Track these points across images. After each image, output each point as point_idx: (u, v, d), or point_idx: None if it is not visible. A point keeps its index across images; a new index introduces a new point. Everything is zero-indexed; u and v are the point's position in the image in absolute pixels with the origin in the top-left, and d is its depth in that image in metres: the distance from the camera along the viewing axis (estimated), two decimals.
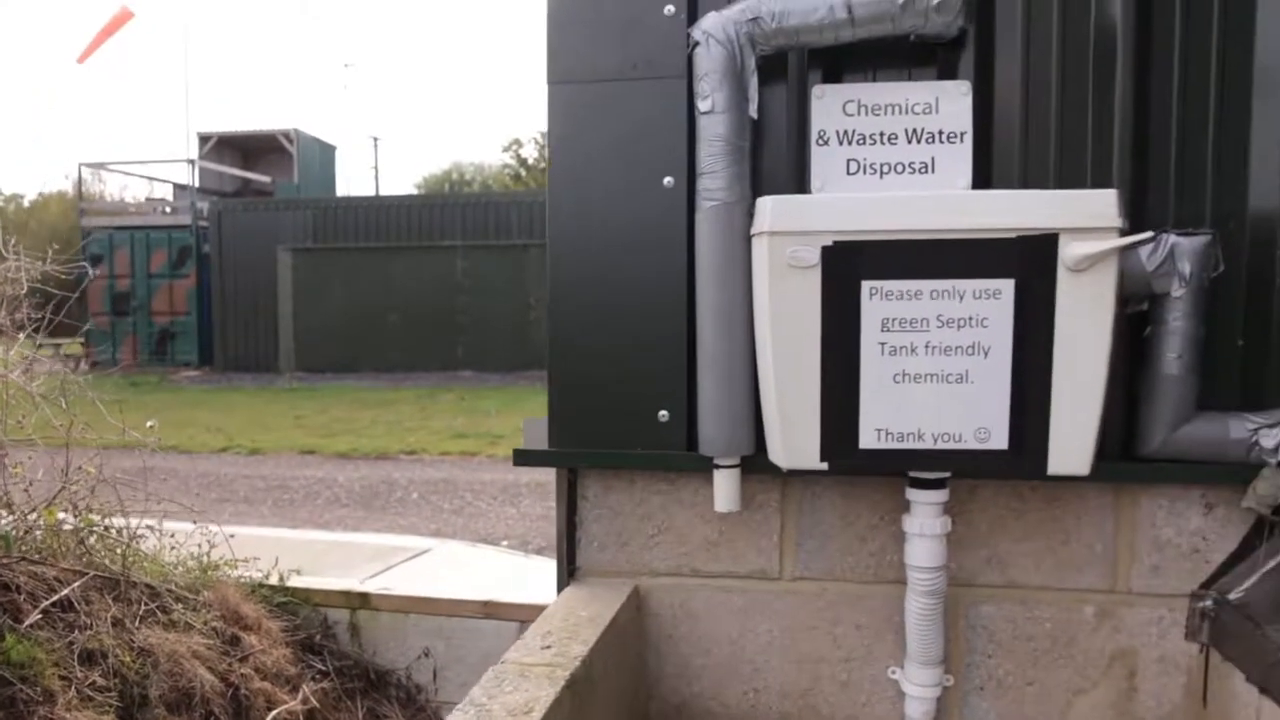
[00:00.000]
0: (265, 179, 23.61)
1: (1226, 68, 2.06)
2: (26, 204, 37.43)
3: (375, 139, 49.02)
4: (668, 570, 2.35)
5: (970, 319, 1.91)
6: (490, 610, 3.77)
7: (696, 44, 2.06)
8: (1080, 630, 2.22)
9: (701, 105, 2.06)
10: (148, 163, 23.87)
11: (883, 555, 2.24)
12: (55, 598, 3.20)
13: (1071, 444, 1.93)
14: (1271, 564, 2.07)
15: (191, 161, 21.46)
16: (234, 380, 18.22)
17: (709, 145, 2.06)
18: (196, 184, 21.19)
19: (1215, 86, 2.07)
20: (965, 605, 2.25)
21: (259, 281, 18.44)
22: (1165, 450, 2.06)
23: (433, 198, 22.80)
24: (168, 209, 21.28)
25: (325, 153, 25.79)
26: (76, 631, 3.14)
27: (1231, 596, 2.14)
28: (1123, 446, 2.12)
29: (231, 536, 4.02)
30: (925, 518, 2.08)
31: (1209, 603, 2.15)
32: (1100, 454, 2.03)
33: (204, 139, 23.86)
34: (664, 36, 2.17)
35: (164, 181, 23.27)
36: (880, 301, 1.93)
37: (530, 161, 36.90)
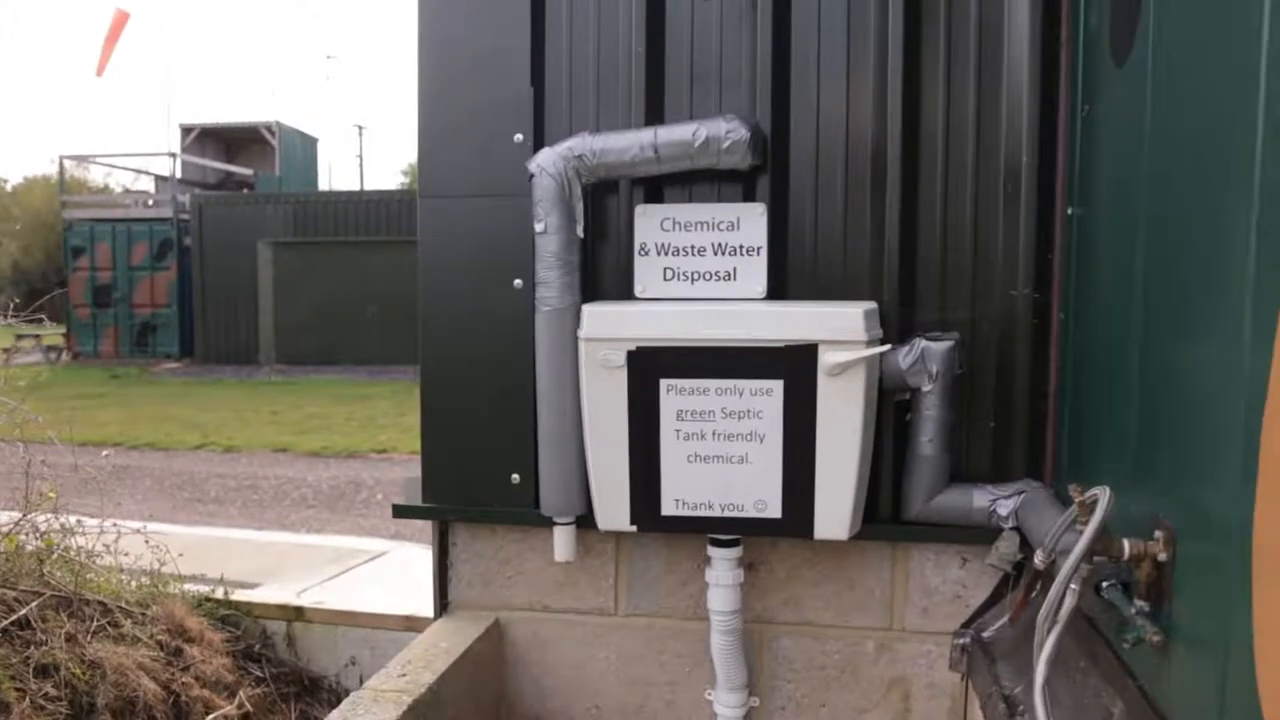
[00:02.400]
0: (247, 171, 23.91)
1: (981, 180, 2.45)
2: (9, 188, 37.56)
3: (360, 128, 49.17)
4: (523, 606, 2.77)
5: (748, 412, 2.33)
6: (411, 624, 4.19)
7: (533, 175, 2.46)
8: (863, 661, 2.65)
9: (537, 226, 2.46)
10: (129, 155, 24.13)
11: (699, 597, 2.66)
12: (13, 618, 3.61)
13: (833, 514, 2.35)
14: (1011, 611, 2.50)
15: (173, 155, 21.73)
16: (214, 372, 18.60)
17: (543, 259, 2.46)
18: (178, 176, 21.48)
19: (971, 198, 2.47)
20: (768, 639, 2.68)
21: (240, 274, 18.80)
22: (923, 516, 2.49)
23: (413, 193, 23.11)
24: (149, 201, 21.58)
25: (307, 145, 26.08)
26: (33, 648, 3.56)
27: (985, 635, 2.57)
28: (895, 510, 2.53)
29: (180, 545, 4.42)
30: (721, 570, 2.50)
31: (965, 639, 2.58)
32: (876, 517, 2.46)
33: (186, 130, 24.14)
34: (514, 161, 2.57)
35: (146, 174, 23.53)
36: (675, 396, 2.35)
37: None
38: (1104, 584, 1.76)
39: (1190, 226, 1.61)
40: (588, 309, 2.40)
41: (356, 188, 33.61)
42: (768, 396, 2.32)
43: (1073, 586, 1.74)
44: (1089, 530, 1.67)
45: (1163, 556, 1.65)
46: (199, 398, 15.74)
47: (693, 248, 2.52)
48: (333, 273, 18.28)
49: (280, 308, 18.43)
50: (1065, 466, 2.39)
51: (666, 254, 2.53)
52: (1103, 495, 1.73)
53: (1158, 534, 1.66)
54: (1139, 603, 1.68)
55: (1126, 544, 1.67)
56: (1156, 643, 1.61)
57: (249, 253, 18.52)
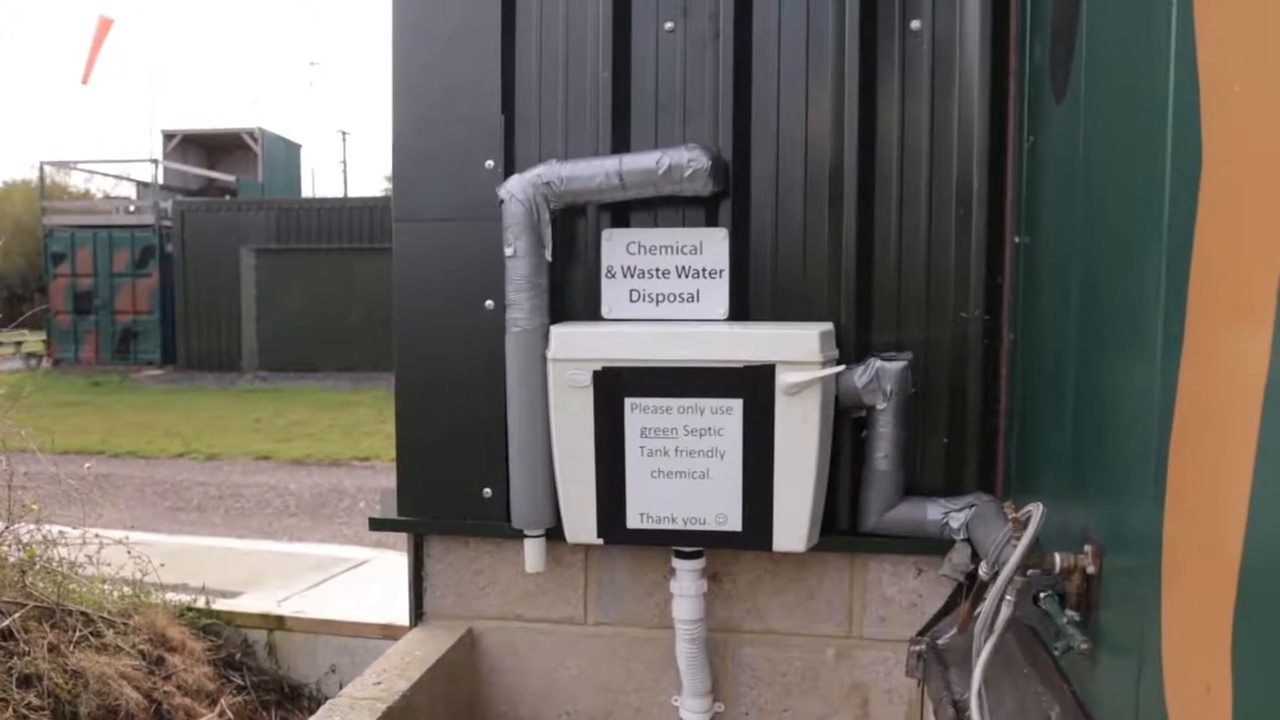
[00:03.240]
0: (229, 178, 23.89)
1: (935, 206, 2.56)
2: None
3: (344, 134, 49.13)
4: (496, 615, 2.86)
5: (709, 429, 2.43)
6: (389, 631, 4.27)
7: (503, 200, 2.55)
8: (823, 667, 2.75)
9: (507, 250, 2.55)
10: (111, 161, 24.07)
11: (665, 607, 2.75)
12: None
13: (790, 527, 2.45)
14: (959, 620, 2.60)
15: (155, 161, 21.70)
16: (196, 379, 18.57)
17: (514, 282, 2.55)
18: (160, 182, 21.45)
19: (925, 224, 2.57)
20: (732, 647, 2.77)
21: (222, 281, 18.78)
22: (879, 528, 2.59)
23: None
24: (131, 208, 21.53)
25: (291, 150, 26.07)
26: (15, 658, 3.62)
27: (940, 642, 2.68)
28: (853, 523, 2.63)
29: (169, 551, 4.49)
30: (685, 581, 2.60)
31: (921, 647, 2.69)
32: (834, 529, 2.57)
33: (168, 137, 24.09)
34: (485, 186, 2.66)
35: (128, 180, 23.51)
36: (639, 414, 2.44)
37: None
38: (1041, 594, 1.87)
39: (1112, 257, 1.72)
40: (555, 330, 2.50)
41: (340, 194, 33.60)
42: (728, 415, 2.42)
43: (1008, 598, 1.84)
44: (1021, 545, 1.77)
45: (1091, 569, 1.75)
46: (181, 405, 15.73)
47: (657, 270, 2.62)
48: (316, 279, 18.30)
49: (263, 314, 18.43)
50: (1014, 481, 2.50)
51: (632, 276, 2.63)
52: (1036, 511, 1.83)
53: (1087, 548, 1.77)
54: (1070, 613, 1.78)
55: (1058, 557, 1.78)
56: (1084, 650, 1.71)
57: (231, 259, 18.51)
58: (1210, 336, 1.30)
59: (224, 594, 4.74)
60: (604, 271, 2.64)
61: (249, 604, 4.64)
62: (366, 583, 5.10)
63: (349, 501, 9.28)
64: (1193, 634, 1.33)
